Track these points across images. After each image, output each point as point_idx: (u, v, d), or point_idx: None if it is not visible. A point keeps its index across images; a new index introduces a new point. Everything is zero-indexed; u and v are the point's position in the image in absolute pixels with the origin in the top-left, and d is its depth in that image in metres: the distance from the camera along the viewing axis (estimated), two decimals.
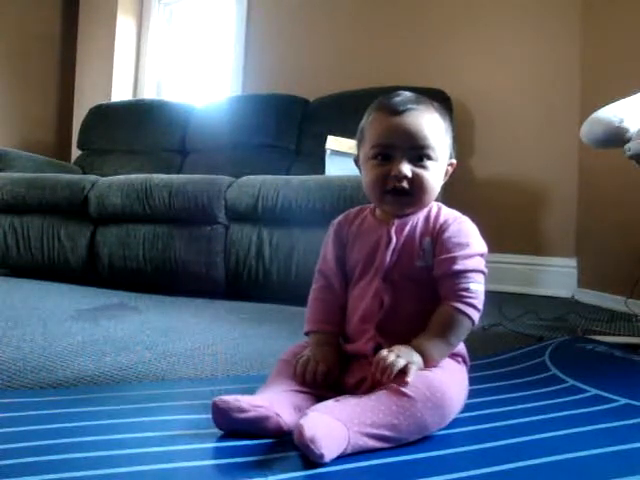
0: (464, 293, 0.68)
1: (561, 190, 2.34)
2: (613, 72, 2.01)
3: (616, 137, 1.23)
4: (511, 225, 2.41)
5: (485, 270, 0.71)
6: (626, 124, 1.21)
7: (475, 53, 2.51)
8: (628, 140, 1.21)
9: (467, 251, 0.70)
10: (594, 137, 1.30)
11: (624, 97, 1.26)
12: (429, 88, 2.26)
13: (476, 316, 0.69)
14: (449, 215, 0.74)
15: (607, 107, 1.25)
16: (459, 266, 0.69)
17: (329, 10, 2.84)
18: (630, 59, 1.91)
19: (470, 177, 2.48)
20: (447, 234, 0.71)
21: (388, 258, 0.72)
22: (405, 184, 0.71)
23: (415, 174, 0.71)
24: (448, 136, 0.75)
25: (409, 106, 0.72)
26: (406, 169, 0.70)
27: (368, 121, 0.76)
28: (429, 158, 0.72)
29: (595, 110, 1.29)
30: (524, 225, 2.41)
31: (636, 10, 1.92)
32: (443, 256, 0.70)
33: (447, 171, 0.77)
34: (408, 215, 0.74)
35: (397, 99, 0.73)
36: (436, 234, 0.72)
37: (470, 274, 0.69)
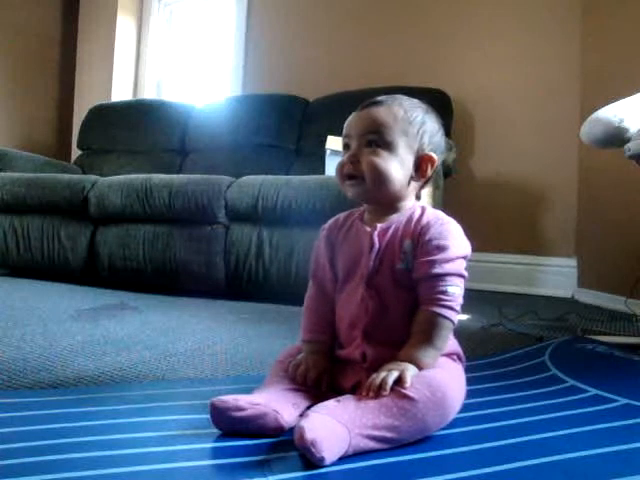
0: (441, 296, 0.68)
1: (561, 190, 2.34)
2: (613, 72, 2.01)
3: (616, 137, 1.23)
4: (511, 225, 2.41)
5: (465, 274, 0.70)
6: (626, 124, 1.21)
7: (475, 53, 2.51)
8: (628, 140, 1.21)
9: (446, 254, 0.69)
10: (594, 137, 1.30)
11: (624, 97, 1.26)
12: (429, 88, 2.26)
13: (454, 317, 0.69)
14: (431, 217, 0.73)
15: (607, 107, 1.25)
16: (437, 269, 0.68)
17: (329, 10, 2.84)
18: (630, 59, 1.91)
19: (470, 177, 2.48)
20: (427, 236, 0.70)
21: (372, 263, 0.72)
22: (353, 169, 0.72)
23: (364, 159, 0.72)
24: (414, 128, 0.73)
25: (374, 101, 0.75)
26: (355, 153, 0.73)
27: None
28: (378, 144, 0.72)
29: (595, 110, 1.29)
30: (524, 225, 2.41)
31: (636, 10, 1.92)
32: (422, 259, 0.69)
33: (423, 166, 0.74)
34: (387, 216, 0.74)
35: (373, 99, 0.75)
36: (417, 236, 0.71)
37: (448, 277, 0.68)
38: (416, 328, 0.69)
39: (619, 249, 1.93)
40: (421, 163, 0.74)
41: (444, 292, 0.68)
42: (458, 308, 0.69)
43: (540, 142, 2.37)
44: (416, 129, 0.74)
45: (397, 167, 0.72)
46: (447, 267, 0.68)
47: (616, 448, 0.63)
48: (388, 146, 0.72)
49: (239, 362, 1.02)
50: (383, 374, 0.64)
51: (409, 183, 0.74)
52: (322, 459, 0.54)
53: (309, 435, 0.54)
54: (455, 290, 0.68)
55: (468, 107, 2.49)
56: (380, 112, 0.73)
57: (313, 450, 0.54)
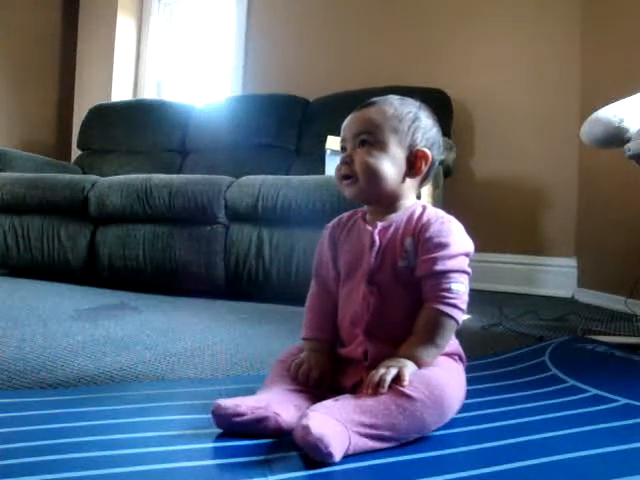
0: (445, 294, 0.67)
1: (561, 190, 2.34)
2: (613, 72, 2.01)
3: (616, 137, 1.23)
4: (511, 225, 2.41)
5: (468, 270, 0.70)
6: (626, 124, 1.21)
7: (475, 53, 2.51)
8: (628, 140, 1.22)
9: (448, 251, 0.69)
10: (594, 137, 1.30)
11: (624, 97, 1.26)
12: (429, 88, 2.27)
13: (459, 316, 0.68)
14: (432, 215, 0.73)
15: (607, 107, 1.25)
16: (440, 266, 0.68)
17: (329, 10, 2.84)
18: (630, 59, 1.91)
19: (470, 177, 2.48)
20: (428, 234, 0.70)
21: (372, 260, 0.72)
22: (347, 169, 0.74)
23: (357, 159, 0.73)
24: (404, 124, 0.73)
25: (367, 103, 0.76)
26: (349, 154, 0.74)
27: None
28: (371, 144, 0.73)
29: (595, 110, 1.29)
30: (524, 225, 2.41)
31: (636, 10, 1.92)
32: (424, 257, 0.69)
33: (417, 162, 0.74)
34: (388, 215, 0.75)
35: (366, 101, 0.77)
36: (417, 234, 0.71)
37: (451, 274, 0.68)
38: (418, 325, 0.69)
39: (619, 249, 1.93)
40: (415, 160, 0.74)
41: (448, 289, 0.67)
42: (463, 306, 0.68)
43: (540, 142, 2.37)
44: (407, 125, 0.74)
45: (389, 165, 0.73)
46: (449, 264, 0.68)
47: (616, 448, 0.62)
48: (380, 145, 0.73)
49: (239, 362, 1.02)
50: (382, 371, 0.63)
51: (404, 180, 0.74)
52: (330, 454, 0.54)
53: (316, 431, 0.54)
54: (459, 287, 0.68)
55: (468, 107, 2.49)
56: (371, 112, 0.74)
57: (321, 446, 0.53)
